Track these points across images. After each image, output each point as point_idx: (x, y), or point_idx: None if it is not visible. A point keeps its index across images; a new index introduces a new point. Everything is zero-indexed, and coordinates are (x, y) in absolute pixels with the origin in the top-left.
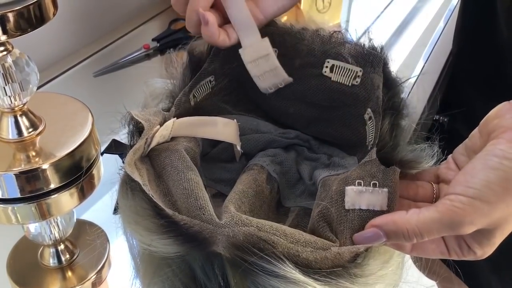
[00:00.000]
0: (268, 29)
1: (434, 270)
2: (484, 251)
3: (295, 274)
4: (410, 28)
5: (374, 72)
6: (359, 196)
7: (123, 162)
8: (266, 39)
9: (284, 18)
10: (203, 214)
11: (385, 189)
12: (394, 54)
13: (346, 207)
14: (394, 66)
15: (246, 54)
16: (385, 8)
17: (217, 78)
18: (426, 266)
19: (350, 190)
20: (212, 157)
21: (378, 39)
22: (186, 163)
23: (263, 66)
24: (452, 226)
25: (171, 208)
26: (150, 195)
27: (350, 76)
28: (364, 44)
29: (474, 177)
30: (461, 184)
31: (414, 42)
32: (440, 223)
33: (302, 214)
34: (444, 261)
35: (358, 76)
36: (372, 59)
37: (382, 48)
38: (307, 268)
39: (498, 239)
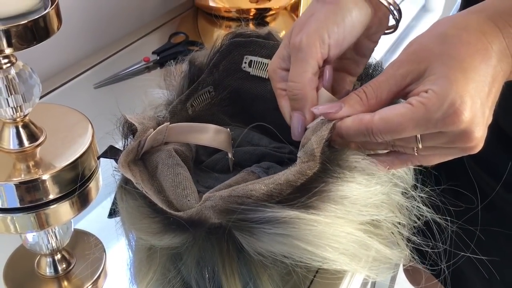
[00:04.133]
0: (268, 43)
1: (426, 286)
2: (439, 85)
3: (284, 210)
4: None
5: None
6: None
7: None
8: None
9: (282, 33)
10: (189, 200)
11: None
12: None
13: (307, 126)
14: None
15: None
16: None
17: (217, 89)
18: (419, 282)
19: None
20: (207, 166)
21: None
22: (176, 160)
23: None
24: (387, 70)
25: (165, 204)
26: (144, 192)
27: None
28: None
29: None
30: None
31: None
32: (379, 74)
33: None
34: (437, 276)
35: (356, 88)
36: (372, 72)
37: (381, 62)
38: (293, 196)
39: (443, 72)
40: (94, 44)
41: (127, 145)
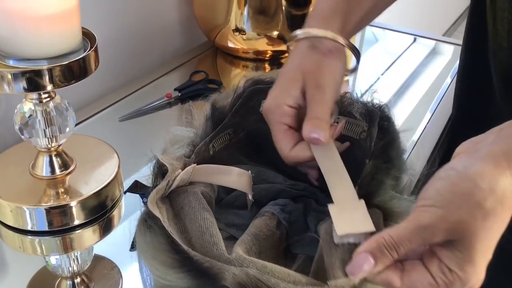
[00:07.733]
0: None
1: None
2: (465, 271)
3: None
4: (411, 90)
5: (373, 126)
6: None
7: (143, 201)
8: (363, 203)
9: None
10: (216, 249)
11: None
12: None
13: (336, 242)
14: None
15: (339, 224)
16: (385, 71)
17: (236, 131)
18: None
19: None
20: (226, 203)
21: (380, 98)
22: (203, 204)
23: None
24: (420, 232)
25: (187, 244)
26: (169, 231)
27: (357, 132)
28: (368, 103)
29: (428, 189)
30: (421, 198)
31: (414, 105)
32: (410, 230)
33: (308, 261)
34: None
35: (364, 130)
36: (373, 115)
37: (381, 106)
38: None
39: (470, 254)
40: (120, 80)
41: (157, 183)
